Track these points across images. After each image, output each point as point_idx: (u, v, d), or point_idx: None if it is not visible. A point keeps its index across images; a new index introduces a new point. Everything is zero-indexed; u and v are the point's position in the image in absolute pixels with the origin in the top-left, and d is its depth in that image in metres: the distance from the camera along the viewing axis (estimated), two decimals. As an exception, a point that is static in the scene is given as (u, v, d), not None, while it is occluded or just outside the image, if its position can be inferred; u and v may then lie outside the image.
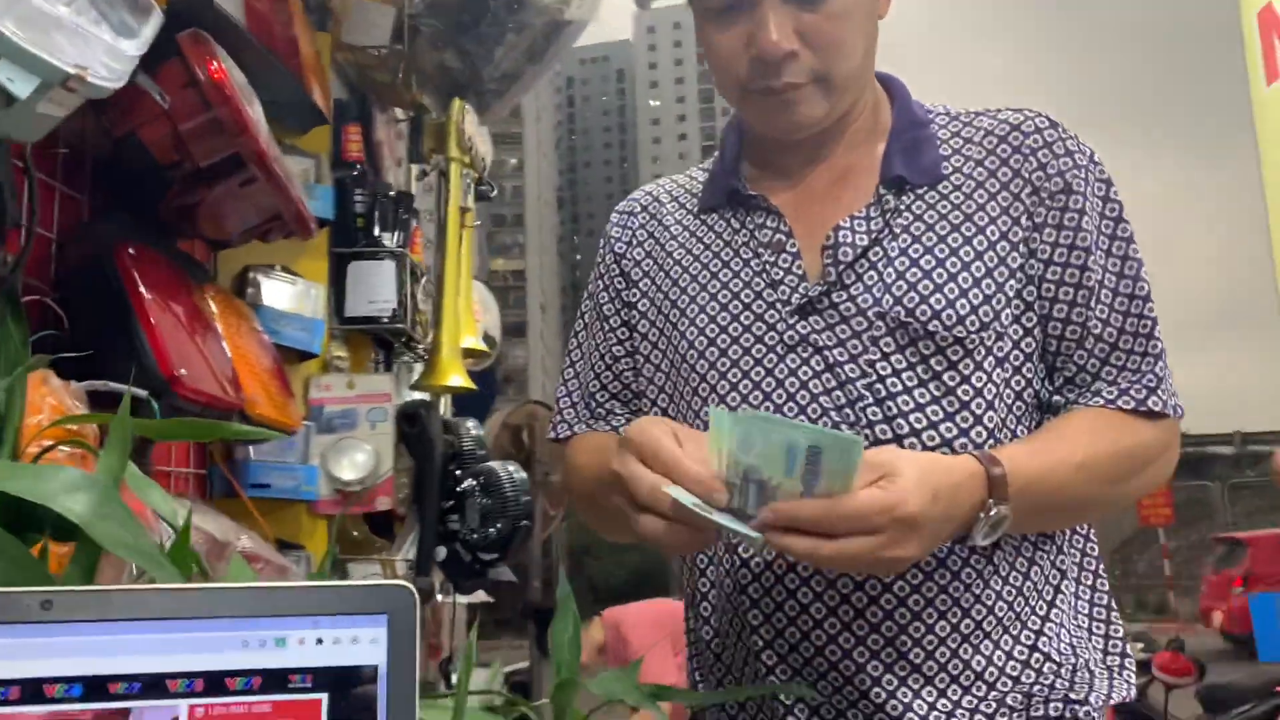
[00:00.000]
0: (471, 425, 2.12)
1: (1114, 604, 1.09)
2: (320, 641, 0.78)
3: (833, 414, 1.02)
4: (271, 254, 1.86)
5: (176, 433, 0.99)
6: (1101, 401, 1.04)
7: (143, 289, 1.27)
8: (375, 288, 1.95)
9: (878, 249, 1.05)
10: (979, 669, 0.99)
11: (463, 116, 1.99)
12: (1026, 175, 1.06)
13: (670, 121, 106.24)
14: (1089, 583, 1.08)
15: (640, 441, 0.90)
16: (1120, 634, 1.08)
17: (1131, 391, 1.04)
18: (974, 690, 0.98)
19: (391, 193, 2.03)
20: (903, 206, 1.07)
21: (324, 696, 0.76)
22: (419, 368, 2.24)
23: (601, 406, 1.19)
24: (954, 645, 0.99)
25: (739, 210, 1.12)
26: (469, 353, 2.05)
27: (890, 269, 1.04)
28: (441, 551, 1.99)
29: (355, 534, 1.91)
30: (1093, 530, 1.11)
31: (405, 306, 1.99)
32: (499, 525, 1.99)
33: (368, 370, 2.07)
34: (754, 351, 1.07)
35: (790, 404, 1.03)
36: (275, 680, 0.75)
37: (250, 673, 0.76)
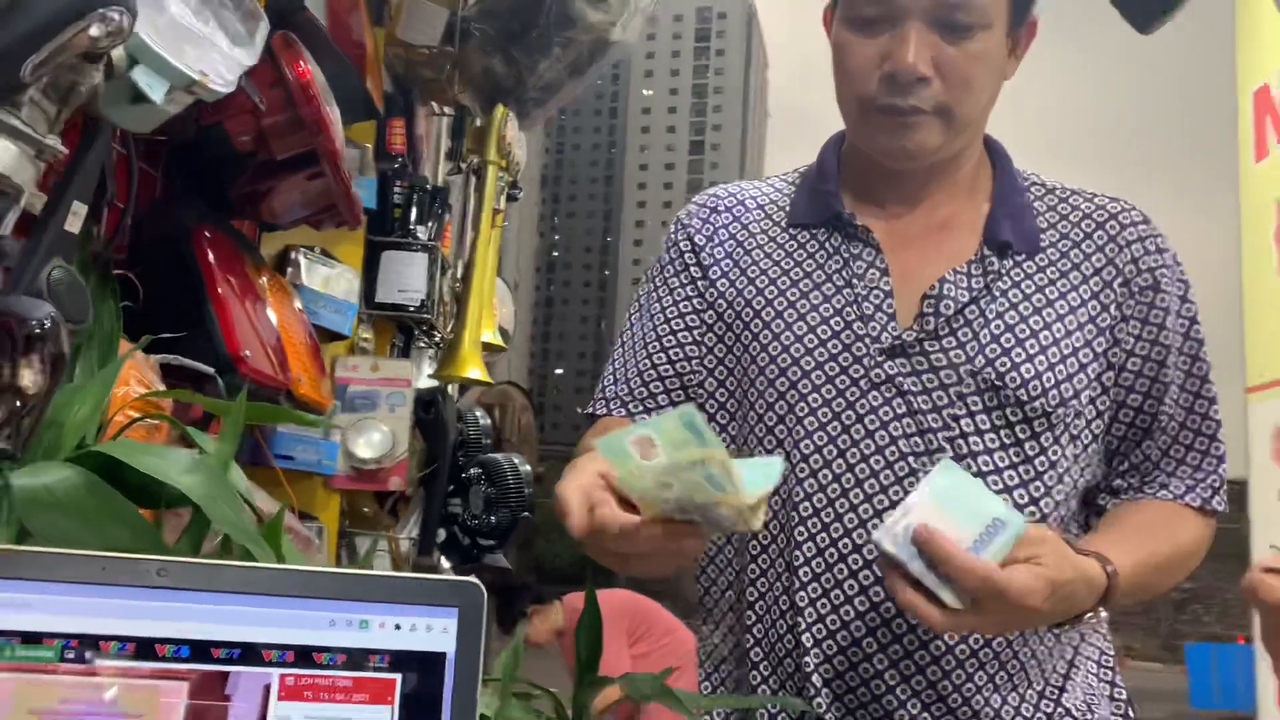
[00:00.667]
0: (480, 415, 2.21)
1: (1118, 667, 1.15)
2: (398, 627, 0.88)
3: (910, 459, 1.04)
4: (311, 236, 1.94)
5: (263, 418, 1.08)
6: (1171, 496, 1.09)
7: (216, 270, 1.35)
8: (407, 277, 2.03)
9: (975, 308, 1.07)
10: (1008, 717, 1.05)
11: (505, 122, 2.07)
12: (1119, 265, 1.09)
13: (661, 113, 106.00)
14: (1100, 644, 1.14)
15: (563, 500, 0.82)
16: (1125, 696, 1.14)
17: (1199, 489, 1.09)
18: None
19: (429, 186, 2.11)
20: (1003, 270, 1.08)
21: (398, 677, 0.86)
22: (430, 355, 2.33)
23: (645, 387, 1.15)
24: (988, 693, 1.04)
25: (834, 234, 1.11)
26: (485, 346, 2.14)
27: (986, 330, 1.06)
28: (441, 533, 2.08)
29: (365, 510, 2.00)
30: None
31: (432, 297, 2.08)
32: (500, 514, 2.08)
33: (388, 355, 2.15)
34: (838, 381, 1.07)
35: (868, 440, 1.05)
36: (357, 659, 0.85)
37: (336, 650, 0.85)
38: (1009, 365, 1.05)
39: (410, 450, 2.06)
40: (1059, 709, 1.07)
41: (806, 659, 1.05)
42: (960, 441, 1.04)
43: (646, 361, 1.15)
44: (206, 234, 1.39)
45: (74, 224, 1.04)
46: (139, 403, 1.12)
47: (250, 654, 0.81)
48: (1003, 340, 1.06)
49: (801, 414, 1.06)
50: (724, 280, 1.14)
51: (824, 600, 1.05)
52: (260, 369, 1.37)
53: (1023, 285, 1.08)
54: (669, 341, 1.15)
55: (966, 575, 0.85)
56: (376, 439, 1.97)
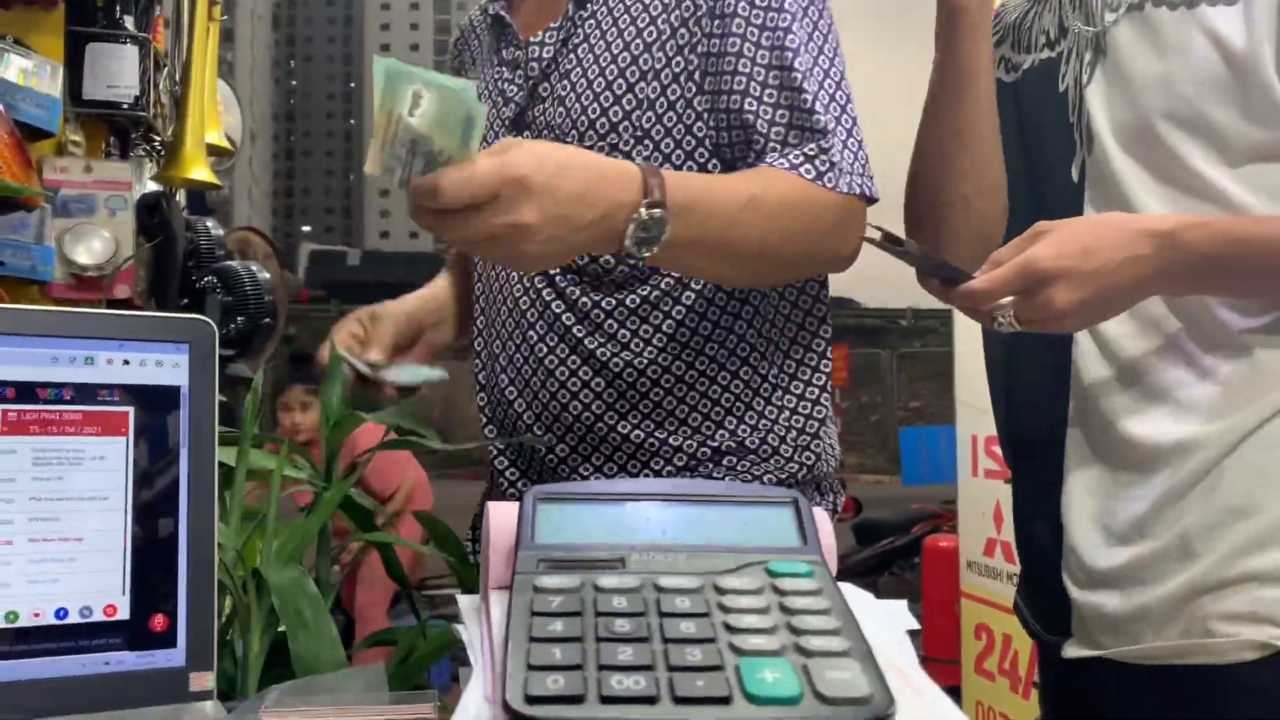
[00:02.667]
0: (211, 224, 2.13)
1: (823, 405, 1.16)
2: (127, 363, 0.88)
3: None
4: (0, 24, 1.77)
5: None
6: (782, 163, 1.02)
7: (-113, 36, 1.23)
8: (116, 72, 1.89)
9: (566, 61, 1.09)
10: (624, 432, 1.11)
11: (215, -97, 1.93)
12: None
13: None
14: (797, 374, 1.14)
15: None
16: (822, 415, 1.15)
17: (803, 169, 1.01)
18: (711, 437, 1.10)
19: (134, -26, 1.95)
20: (585, 15, 1.09)
21: (131, 409, 0.87)
22: (151, 166, 2.20)
23: None
24: (609, 417, 1.11)
25: (501, 30, 1.18)
26: (212, 150, 2.05)
27: (566, 83, 1.09)
28: (178, 345, 2.01)
29: (90, 320, 1.90)
30: (816, 337, 1.16)
31: (147, 95, 1.95)
32: (239, 321, 2.03)
33: (103, 158, 2.01)
34: None
35: None
36: (85, 393, 0.85)
37: (61, 385, 0.85)
38: (579, 111, 1.07)
39: (138, 260, 1.96)
40: (721, 431, 1.11)
41: (510, 389, 1.17)
42: None
43: None
44: None
45: None
46: None
47: (-35, 392, 0.80)
48: (578, 88, 1.08)
49: None
50: None
51: (480, 338, 1.20)
52: (-48, 146, 1.27)
53: (603, 22, 1.08)
54: None
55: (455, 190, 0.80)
56: (97, 245, 1.86)
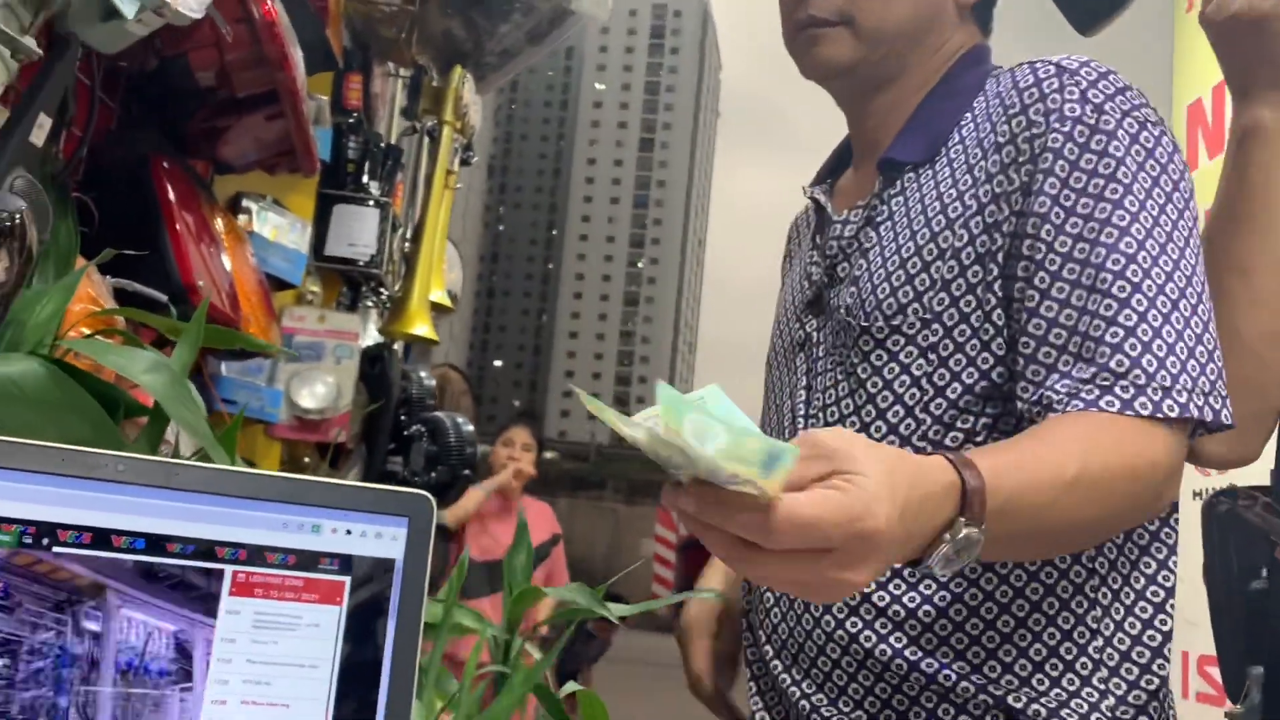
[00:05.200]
0: (424, 375, 2.23)
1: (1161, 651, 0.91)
2: (349, 532, 0.91)
3: (801, 419, 1.00)
4: (263, 184, 1.94)
5: (218, 340, 1.10)
6: (1081, 405, 0.82)
7: (172, 199, 1.36)
8: (357, 232, 2.05)
9: (866, 239, 1.00)
10: None
11: (462, 84, 2.09)
12: (1013, 135, 0.91)
13: (613, 108, 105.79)
14: (1127, 611, 0.91)
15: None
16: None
17: (1095, 383, 0.82)
18: None
19: (383, 144, 2.13)
20: (894, 191, 0.98)
21: (347, 579, 0.89)
22: (376, 312, 2.34)
23: None
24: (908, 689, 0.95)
25: (819, 213, 1.07)
26: (434, 306, 2.16)
27: (863, 262, 0.98)
28: (381, 489, 2.09)
29: (306, 459, 2.01)
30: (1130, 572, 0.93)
31: (382, 253, 2.10)
32: (439, 471, 2.10)
33: (334, 308, 2.16)
34: (780, 352, 1.08)
35: (787, 403, 1.04)
36: (308, 560, 0.88)
37: (288, 551, 0.88)
38: (869, 290, 0.96)
39: (354, 404, 2.07)
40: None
41: (767, 647, 1.04)
42: (818, 379, 1.01)
43: None
44: (165, 163, 1.40)
45: (38, 136, 1.06)
46: (93, 319, 1.13)
47: (204, 550, 0.84)
48: (872, 266, 0.97)
49: (766, 398, 1.10)
50: None
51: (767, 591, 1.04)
52: (212, 300, 1.39)
53: (910, 201, 0.97)
54: None
55: (762, 529, 0.60)
56: (321, 390, 1.98)
